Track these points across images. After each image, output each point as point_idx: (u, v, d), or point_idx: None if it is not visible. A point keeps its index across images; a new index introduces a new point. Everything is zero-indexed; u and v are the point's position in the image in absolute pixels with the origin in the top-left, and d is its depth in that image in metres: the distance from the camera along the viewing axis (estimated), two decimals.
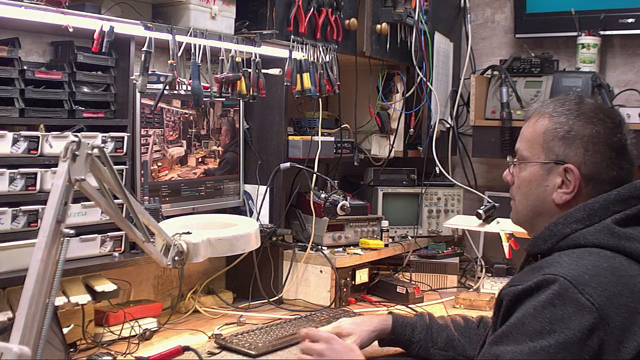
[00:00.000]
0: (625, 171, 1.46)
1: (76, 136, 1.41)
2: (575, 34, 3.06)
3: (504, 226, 2.39)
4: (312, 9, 2.47)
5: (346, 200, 2.50)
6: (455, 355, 1.84)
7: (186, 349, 1.99)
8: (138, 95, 2.16)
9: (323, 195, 2.53)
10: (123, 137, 2.11)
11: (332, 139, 2.79)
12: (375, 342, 1.91)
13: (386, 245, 2.83)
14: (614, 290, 1.27)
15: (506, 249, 2.45)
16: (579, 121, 1.46)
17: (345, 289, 2.58)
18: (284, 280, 2.60)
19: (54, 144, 1.92)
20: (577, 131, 1.45)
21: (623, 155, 1.46)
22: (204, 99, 2.18)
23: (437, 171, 3.09)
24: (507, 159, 1.61)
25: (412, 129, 3.12)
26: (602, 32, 3.02)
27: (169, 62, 2.06)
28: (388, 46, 2.86)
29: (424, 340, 1.85)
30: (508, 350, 1.29)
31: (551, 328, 1.26)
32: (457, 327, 1.88)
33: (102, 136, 2.04)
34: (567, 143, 1.46)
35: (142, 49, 2.01)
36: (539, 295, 1.29)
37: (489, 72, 3.16)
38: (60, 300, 1.88)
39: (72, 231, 1.36)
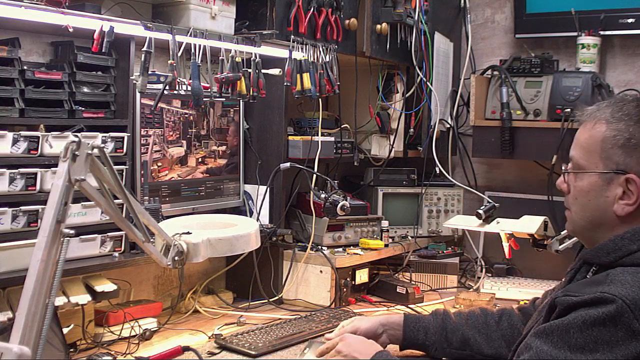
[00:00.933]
0: None
1: (76, 136, 1.41)
2: (575, 34, 3.06)
3: (504, 226, 2.39)
4: (312, 9, 2.47)
5: (346, 200, 2.50)
6: (472, 353, 1.81)
7: (186, 349, 1.99)
8: (138, 95, 2.16)
9: (323, 195, 2.53)
10: (123, 137, 2.11)
11: (332, 139, 2.79)
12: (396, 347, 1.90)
13: (386, 246, 2.83)
14: None
15: (506, 249, 2.44)
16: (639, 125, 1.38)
17: (345, 289, 2.58)
18: (284, 280, 2.60)
19: (54, 144, 1.92)
20: (639, 139, 1.38)
21: None
22: (204, 99, 2.18)
23: (437, 171, 3.09)
24: (562, 167, 1.53)
25: (412, 129, 3.12)
26: (602, 32, 3.02)
27: (169, 62, 2.06)
28: (388, 46, 2.86)
29: (438, 342, 1.83)
30: (544, 349, 1.28)
31: (594, 347, 1.22)
32: (475, 324, 1.84)
33: (102, 136, 2.04)
34: (627, 151, 1.38)
35: (142, 49, 2.01)
36: (592, 310, 1.24)
37: (489, 72, 3.16)
38: (60, 300, 1.88)
39: (72, 231, 1.36)
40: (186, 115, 2.45)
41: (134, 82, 2.06)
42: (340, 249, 2.71)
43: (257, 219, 2.61)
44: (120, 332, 2.07)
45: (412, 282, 2.82)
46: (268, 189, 2.60)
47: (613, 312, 1.22)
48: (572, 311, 1.29)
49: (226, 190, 2.64)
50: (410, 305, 2.58)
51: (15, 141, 1.85)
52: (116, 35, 1.93)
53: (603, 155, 1.41)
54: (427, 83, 2.99)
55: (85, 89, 2.07)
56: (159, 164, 2.34)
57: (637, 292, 1.24)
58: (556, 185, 1.55)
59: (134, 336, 2.09)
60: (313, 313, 2.38)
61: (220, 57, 2.25)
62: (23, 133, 1.87)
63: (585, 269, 1.47)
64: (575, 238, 1.86)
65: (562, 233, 2.06)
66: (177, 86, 2.08)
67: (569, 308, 1.29)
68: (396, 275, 2.89)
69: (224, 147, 2.61)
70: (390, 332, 1.88)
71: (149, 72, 2.02)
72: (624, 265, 1.35)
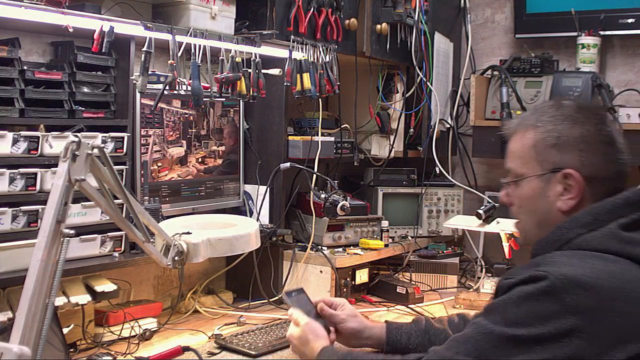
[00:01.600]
0: (623, 163, 1.44)
1: (76, 136, 1.41)
2: (575, 34, 3.06)
3: (504, 226, 2.39)
4: (312, 9, 2.47)
5: (346, 200, 2.50)
6: None
7: (186, 349, 1.99)
8: (138, 95, 2.16)
9: (323, 196, 2.53)
10: (123, 137, 2.11)
11: (332, 139, 2.79)
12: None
13: (386, 246, 2.83)
14: (608, 294, 1.25)
15: (506, 249, 2.45)
16: (566, 124, 1.44)
17: (345, 289, 2.58)
18: (284, 280, 2.60)
19: (54, 144, 1.92)
20: (567, 135, 1.43)
21: (617, 147, 1.44)
22: (204, 99, 2.18)
23: (437, 171, 3.09)
24: (501, 180, 1.57)
25: (412, 129, 3.12)
26: (602, 32, 3.02)
27: (169, 62, 2.06)
28: (388, 46, 2.86)
29: (421, 345, 1.83)
30: (482, 324, 1.33)
31: (528, 321, 1.26)
32: (457, 328, 1.86)
33: (102, 136, 2.04)
34: (560, 149, 1.43)
35: (142, 49, 2.01)
36: (527, 286, 1.29)
37: (489, 72, 3.16)
38: (60, 300, 1.88)
39: (72, 231, 1.36)
40: (186, 115, 2.45)
41: (134, 82, 2.06)
42: (340, 249, 2.71)
43: (257, 219, 2.61)
44: (120, 332, 2.07)
45: (412, 282, 2.82)
46: (268, 189, 2.60)
47: (545, 287, 1.26)
48: (511, 290, 1.33)
49: (226, 190, 2.64)
50: (410, 305, 2.58)
51: (15, 141, 1.85)
52: (116, 35, 1.93)
53: (539, 159, 1.46)
54: (427, 83, 2.99)
55: (85, 89, 2.07)
56: (159, 164, 2.34)
57: (570, 269, 1.28)
58: (499, 201, 1.59)
59: (134, 336, 2.09)
60: None
61: (220, 57, 2.25)
62: (23, 133, 1.87)
63: None
64: None
65: None
66: (177, 86, 2.08)
67: (508, 289, 1.34)
68: (396, 275, 2.89)
69: (223, 147, 2.61)
70: (372, 334, 1.89)
71: (149, 72, 2.02)
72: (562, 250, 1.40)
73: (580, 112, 1.46)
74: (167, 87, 2.06)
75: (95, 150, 1.44)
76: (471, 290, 2.86)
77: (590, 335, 1.22)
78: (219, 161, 2.60)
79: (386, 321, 1.95)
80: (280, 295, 2.57)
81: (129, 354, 1.98)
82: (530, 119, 1.50)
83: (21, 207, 1.85)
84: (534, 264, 1.35)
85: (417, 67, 2.95)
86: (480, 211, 2.43)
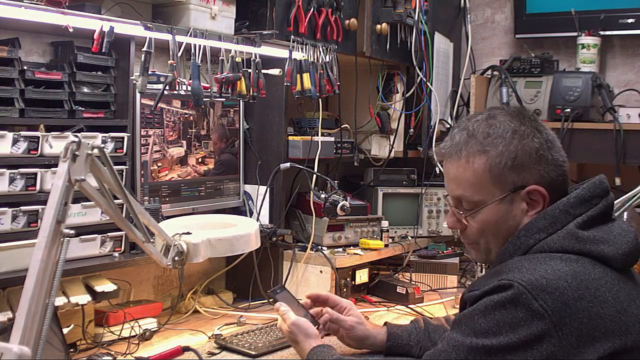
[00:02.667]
0: (562, 160, 1.43)
1: (76, 136, 1.41)
2: (575, 34, 3.06)
3: None
4: (312, 9, 2.47)
5: (346, 200, 2.50)
6: None
7: (186, 349, 1.99)
8: (138, 95, 2.16)
9: (323, 196, 2.53)
10: (123, 137, 2.11)
11: (332, 139, 2.79)
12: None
13: (386, 246, 2.83)
14: (573, 295, 1.24)
15: None
16: (515, 140, 1.40)
17: (345, 289, 2.58)
18: (284, 280, 2.60)
19: (54, 144, 1.92)
20: (522, 152, 1.39)
21: (557, 147, 1.43)
22: (204, 99, 2.18)
23: (437, 171, 3.09)
24: (453, 210, 1.51)
25: (412, 129, 3.12)
26: (602, 32, 3.03)
27: (169, 62, 2.06)
28: (388, 46, 2.86)
29: (422, 341, 1.86)
30: (454, 337, 1.32)
31: (497, 330, 1.25)
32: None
33: (102, 136, 2.04)
34: (518, 169, 1.40)
35: (142, 49, 2.01)
36: (494, 296, 1.28)
37: (489, 72, 3.16)
38: (60, 300, 1.88)
39: (72, 231, 1.36)
40: (186, 115, 2.45)
41: (134, 82, 2.06)
42: (340, 249, 2.71)
43: (257, 219, 2.61)
44: (120, 332, 2.07)
45: (412, 282, 2.81)
46: (268, 189, 2.60)
47: (511, 295, 1.25)
48: (477, 302, 1.33)
49: (226, 190, 2.64)
50: (410, 305, 2.58)
51: (15, 141, 1.85)
52: (116, 35, 1.93)
53: (496, 182, 1.41)
54: (427, 83, 2.99)
55: (85, 89, 2.07)
56: (159, 164, 2.34)
57: (533, 274, 1.27)
58: (448, 226, 1.55)
59: (134, 336, 2.09)
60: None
61: (220, 57, 2.25)
62: (23, 133, 1.87)
63: None
64: None
65: None
66: (177, 86, 2.08)
67: (474, 301, 1.33)
68: (396, 275, 2.89)
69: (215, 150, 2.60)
70: (375, 342, 1.91)
71: (149, 72, 2.02)
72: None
73: (520, 122, 1.42)
74: (167, 87, 2.06)
75: (95, 151, 1.44)
76: None
77: (560, 338, 1.22)
78: (214, 162, 2.59)
79: (386, 323, 1.96)
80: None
81: (129, 354, 1.98)
82: (472, 144, 1.43)
83: (21, 207, 1.85)
84: (497, 273, 1.34)
85: (417, 67, 2.95)
86: None
